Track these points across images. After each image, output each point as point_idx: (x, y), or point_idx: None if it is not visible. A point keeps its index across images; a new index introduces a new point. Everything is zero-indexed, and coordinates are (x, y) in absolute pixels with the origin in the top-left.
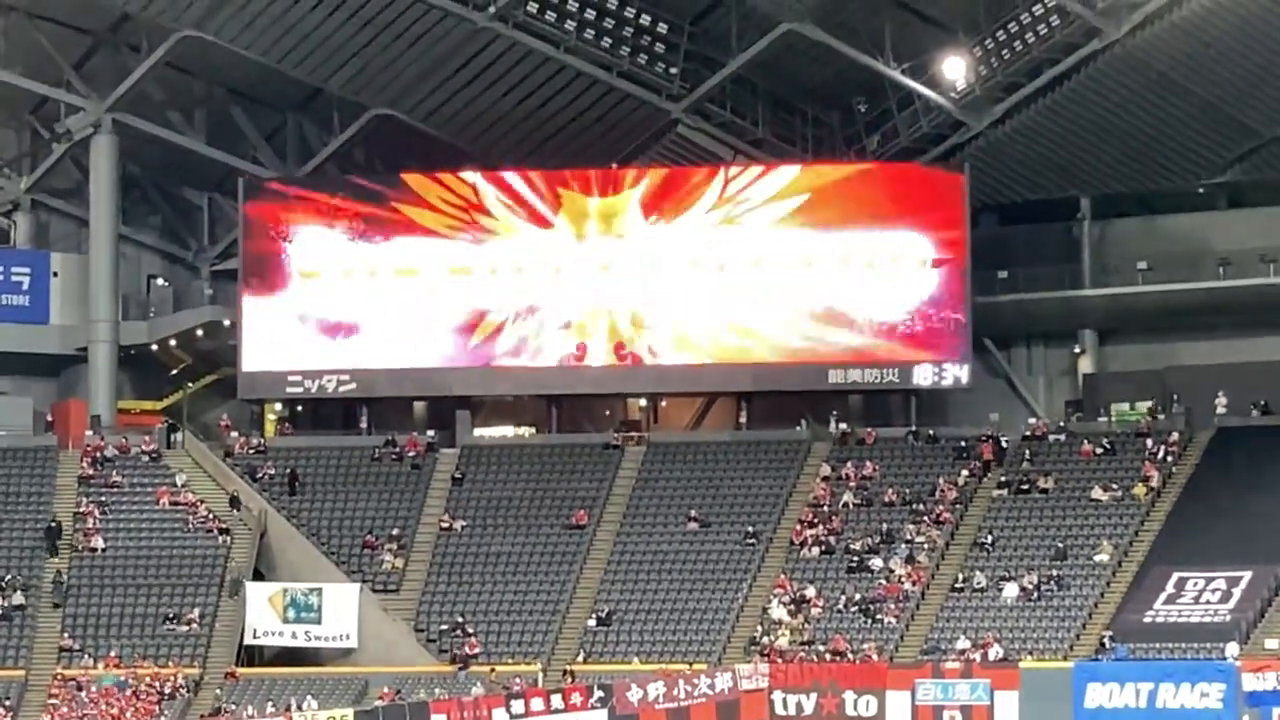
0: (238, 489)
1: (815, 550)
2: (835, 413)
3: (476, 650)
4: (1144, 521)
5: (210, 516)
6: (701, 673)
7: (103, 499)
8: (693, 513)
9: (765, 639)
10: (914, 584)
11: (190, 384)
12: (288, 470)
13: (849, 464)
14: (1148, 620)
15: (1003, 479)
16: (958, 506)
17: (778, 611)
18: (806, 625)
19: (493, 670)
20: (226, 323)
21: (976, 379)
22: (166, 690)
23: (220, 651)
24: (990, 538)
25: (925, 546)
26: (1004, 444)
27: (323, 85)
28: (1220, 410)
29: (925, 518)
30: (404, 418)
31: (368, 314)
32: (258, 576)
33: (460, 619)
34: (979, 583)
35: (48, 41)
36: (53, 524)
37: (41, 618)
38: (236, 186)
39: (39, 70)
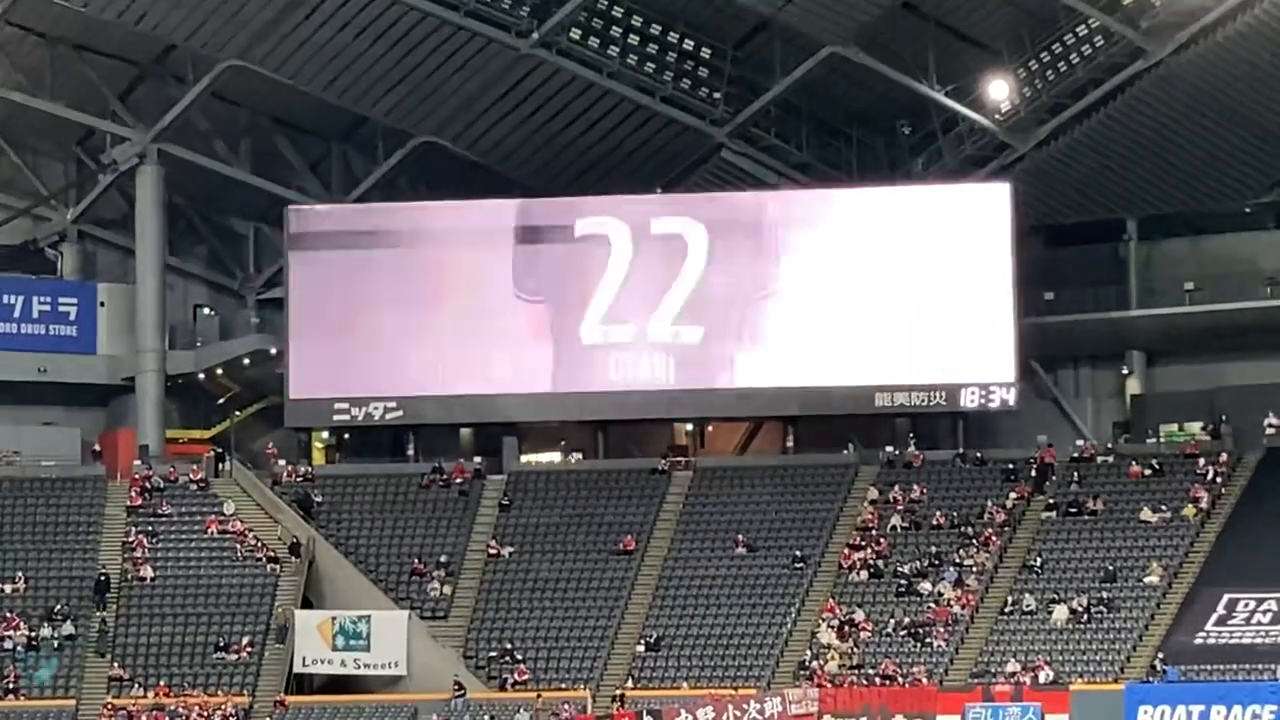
0: (295, 532)
1: (863, 574)
2: (912, 437)
3: (525, 676)
4: (1194, 543)
5: (259, 545)
6: (750, 697)
7: (151, 529)
8: (740, 537)
9: (814, 663)
10: (963, 607)
11: (237, 413)
12: (300, 494)
13: (896, 487)
14: (1199, 642)
15: (1051, 501)
16: (1006, 529)
17: (826, 635)
18: (855, 649)
19: (539, 697)
20: (273, 351)
21: (1024, 401)
22: (216, 719)
23: (269, 680)
24: (1039, 560)
25: (974, 569)
26: (1048, 463)
27: (367, 114)
28: (1269, 430)
29: (974, 540)
30: (451, 444)
31: (414, 340)
32: (306, 605)
33: (508, 645)
34: (1028, 605)
35: (93, 73)
36: (101, 577)
37: (92, 648)
38: (282, 215)
39: (85, 101)
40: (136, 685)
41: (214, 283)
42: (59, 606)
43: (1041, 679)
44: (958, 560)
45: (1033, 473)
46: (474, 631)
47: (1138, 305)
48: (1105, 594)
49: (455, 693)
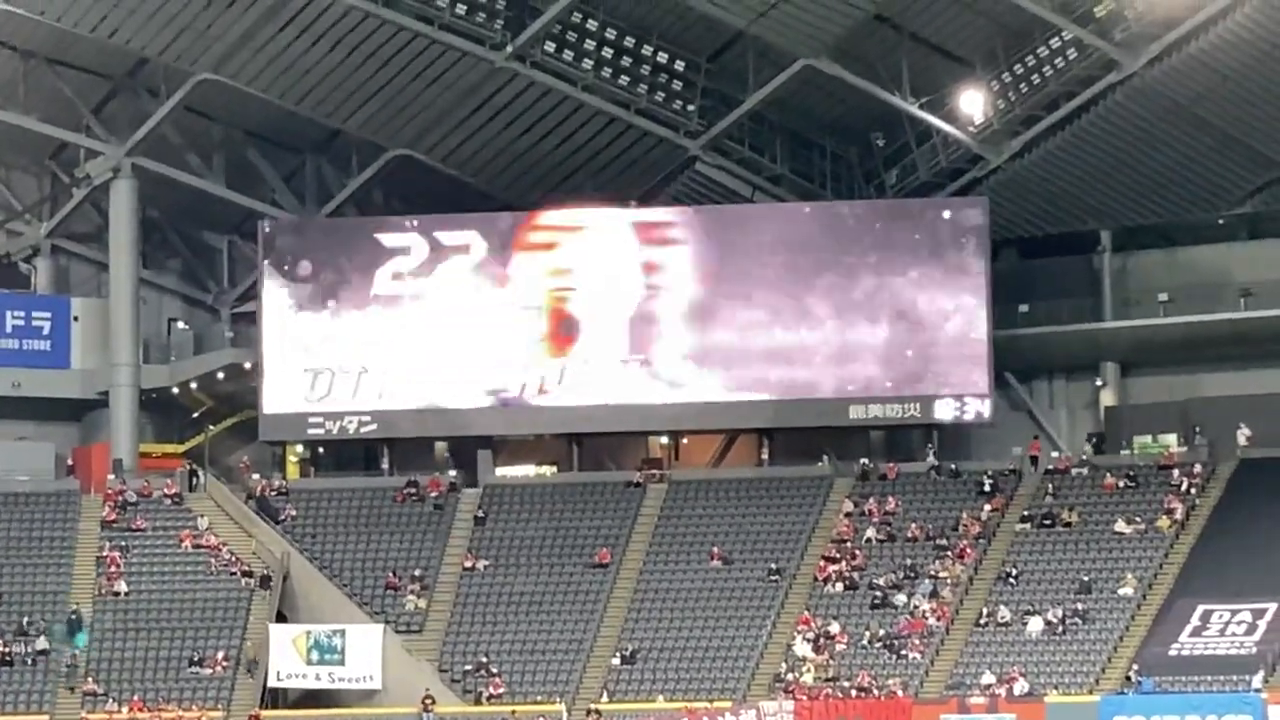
0: (270, 546)
1: (839, 586)
2: (932, 447)
3: (500, 690)
4: (1168, 554)
5: (233, 559)
6: (726, 710)
7: (125, 543)
8: (715, 550)
9: (790, 676)
10: (938, 619)
11: (211, 426)
12: (260, 501)
13: (871, 499)
14: (1173, 653)
15: (1025, 513)
16: (981, 541)
17: (802, 648)
18: (831, 661)
19: (514, 712)
20: (247, 365)
21: (998, 413)
22: None
23: (244, 695)
24: (1014, 572)
25: (949, 581)
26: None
27: (341, 127)
28: (1243, 442)
29: (948, 552)
30: (425, 458)
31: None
32: (281, 619)
33: (484, 659)
34: (1003, 617)
35: (67, 87)
36: (73, 616)
37: (66, 662)
38: (256, 229)
39: (58, 115)
40: (111, 700)
41: (188, 296)
42: (28, 620)
43: (1017, 690)
44: (933, 572)
45: (1030, 469)
46: (449, 645)
47: (1112, 317)
48: (1080, 605)
49: (425, 707)
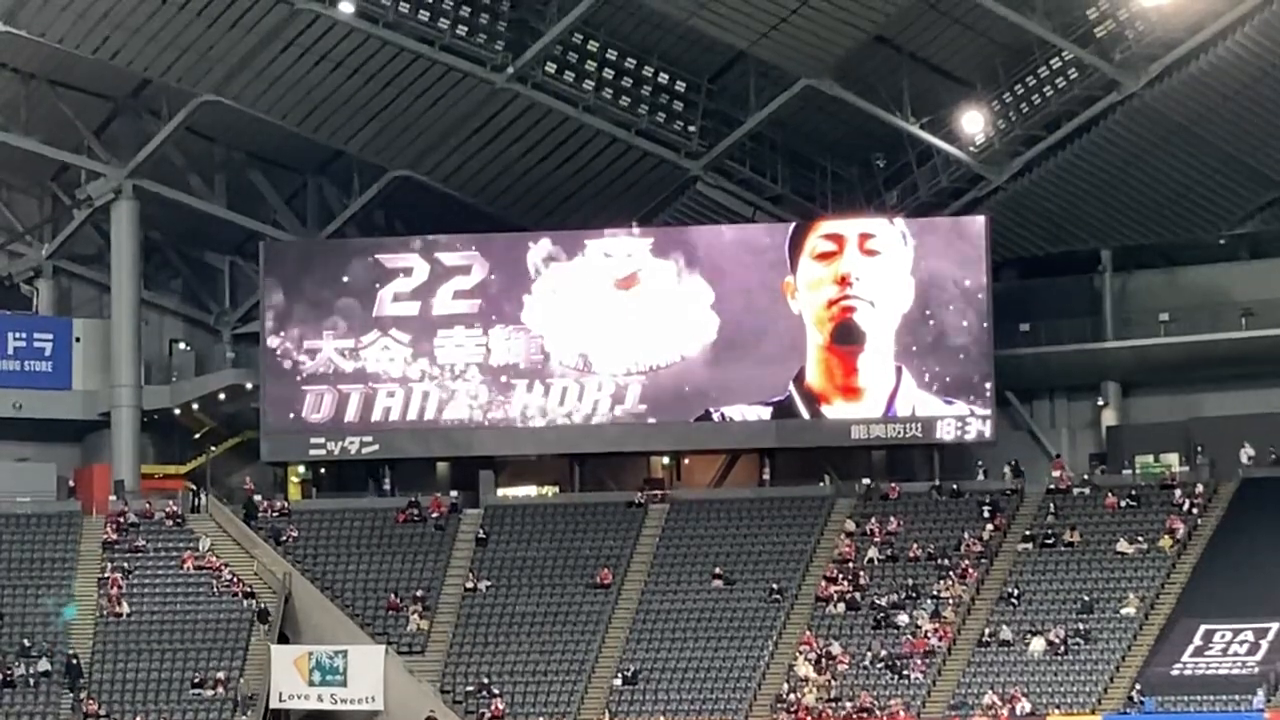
0: (271, 567)
1: (840, 606)
2: (915, 469)
3: (502, 711)
4: (1170, 574)
5: (235, 580)
6: None
7: (126, 565)
8: (717, 570)
9: (791, 696)
10: (940, 639)
11: (213, 447)
12: (246, 502)
13: (873, 519)
14: (1175, 673)
15: (1027, 533)
16: (983, 561)
17: (803, 668)
18: (833, 682)
19: None
20: (249, 386)
21: (1000, 432)
22: None
23: (246, 717)
24: (1016, 592)
25: (951, 601)
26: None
27: (342, 148)
28: (1245, 461)
29: (950, 572)
30: (427, 478)
31: (390, 374)
32: (283, 639)
33: (485, 679)
34: (1005, 637)
35: (68, 108)
36: (73, 661)
37: (67, 685)
38: (257, 250)
39: (60, 137)
40: None
41: (189, 317)
42: (34, 643)
43: (1019, 711)
44: (935, 592)
45: (1034, 489)
46: (451, 666)
47: (1113, 336)
48: (1082, 625)
49: None
